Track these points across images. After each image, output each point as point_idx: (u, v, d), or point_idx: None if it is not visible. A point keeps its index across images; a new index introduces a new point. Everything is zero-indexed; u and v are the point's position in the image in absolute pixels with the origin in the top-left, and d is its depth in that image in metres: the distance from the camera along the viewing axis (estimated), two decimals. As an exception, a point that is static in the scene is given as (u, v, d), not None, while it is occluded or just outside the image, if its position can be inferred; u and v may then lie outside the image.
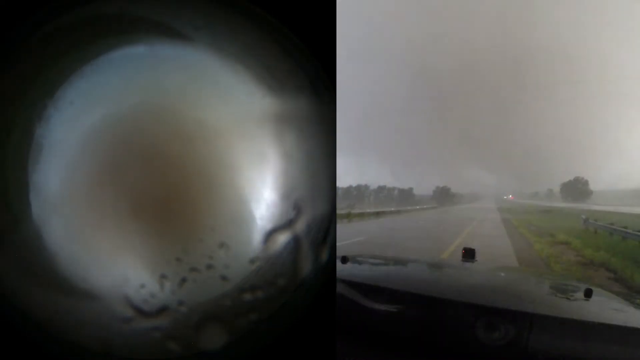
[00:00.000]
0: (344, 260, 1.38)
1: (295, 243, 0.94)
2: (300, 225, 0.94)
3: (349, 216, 20.45)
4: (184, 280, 0.90)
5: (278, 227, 0.93)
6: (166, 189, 0.89)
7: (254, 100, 0.91)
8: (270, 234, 0.92)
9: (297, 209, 0.94)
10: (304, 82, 0.93)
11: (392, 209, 33.38)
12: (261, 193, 0.92)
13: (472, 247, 1.83)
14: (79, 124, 0.88)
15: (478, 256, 1.79)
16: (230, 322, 0.91)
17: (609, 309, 1.11)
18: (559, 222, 16.97)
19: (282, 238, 0.93)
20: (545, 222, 17.37)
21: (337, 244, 0.96)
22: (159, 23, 0.89)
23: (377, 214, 25.22)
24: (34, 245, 0.87)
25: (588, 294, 1.07)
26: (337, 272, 0.96)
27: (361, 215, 22.60)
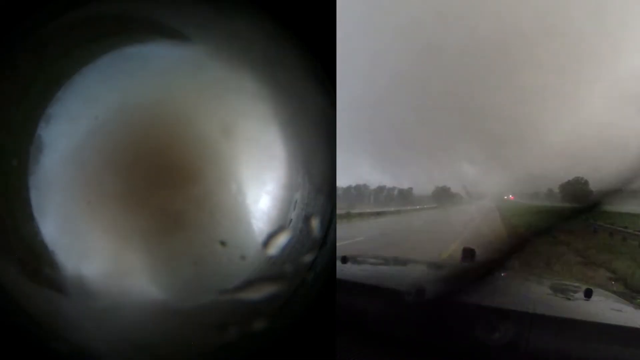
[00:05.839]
0: (344, 260, 1.38)
1: (295, 243, 0.94)
2: (301, 226, 0.94)
3: (348, 216, 20.46)
4: (184, 279, 0.90)
5: (278, 227, 0.93)
6: (167, 188, 0.89)
7: (253, 101, 0.91)
8: (270, 234, 0.92)
9: (297, 209, 0.94)
10: (304, 82, 0.93)
11: (392, 209, 33.36)
12: (261, 193, 0.92)
13: (472, 247, 1.82)
14: (79, 124, 0.89)
15: (478, 256, 1.78)
16: (231, 322, 0.91)
17: (609, 309, 1.11)
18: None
19: (282, 238, 0.93)
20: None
21: (337, 244, 0.96)
22: (158, 23, 0.89)
23: (378, 214, 25.21)
24: (34, 245, 0.87)
25: (588, 294, 1.07)
26: (337, 272, 0.96)
27: (361, 216, 22.59)
